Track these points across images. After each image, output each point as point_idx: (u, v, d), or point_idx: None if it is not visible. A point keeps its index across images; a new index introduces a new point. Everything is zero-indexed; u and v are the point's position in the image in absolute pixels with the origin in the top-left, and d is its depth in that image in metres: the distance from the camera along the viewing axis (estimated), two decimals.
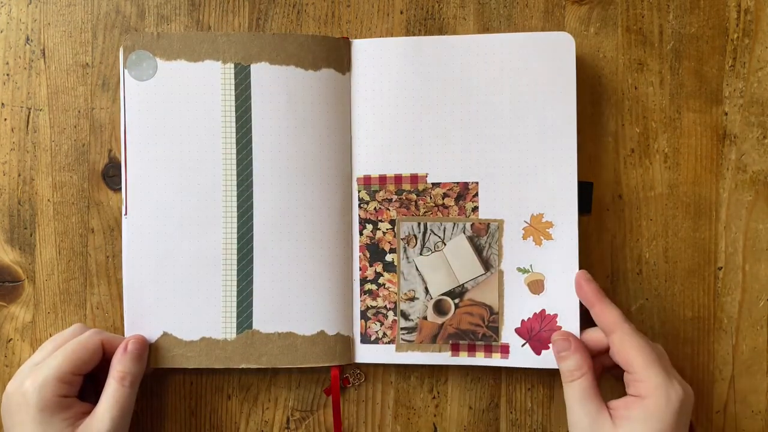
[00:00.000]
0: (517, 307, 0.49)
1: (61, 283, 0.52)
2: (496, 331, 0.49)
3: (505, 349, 0.49)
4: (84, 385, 0.46)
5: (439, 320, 0.50)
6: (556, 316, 0.48)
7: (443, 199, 0.50)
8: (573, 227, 0.48)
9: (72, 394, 0.45)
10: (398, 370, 0.52)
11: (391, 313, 0.50)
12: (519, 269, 0.49)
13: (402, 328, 0.50)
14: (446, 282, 0.50)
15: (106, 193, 0.52)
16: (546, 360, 0.48)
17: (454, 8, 0.52)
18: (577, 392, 0.44)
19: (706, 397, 0.51)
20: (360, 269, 0.50)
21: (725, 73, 0.51)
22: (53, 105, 0.52)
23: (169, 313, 0.49)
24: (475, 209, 0.49)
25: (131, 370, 0.46)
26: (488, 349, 0.49)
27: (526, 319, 0.49)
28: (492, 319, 0.49)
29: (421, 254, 0.50)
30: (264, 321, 0.49)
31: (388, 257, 0.50)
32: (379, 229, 0.50)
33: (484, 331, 0.49)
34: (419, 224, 0.50)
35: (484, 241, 0.50)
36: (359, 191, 0.50)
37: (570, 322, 0.48)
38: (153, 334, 0.49)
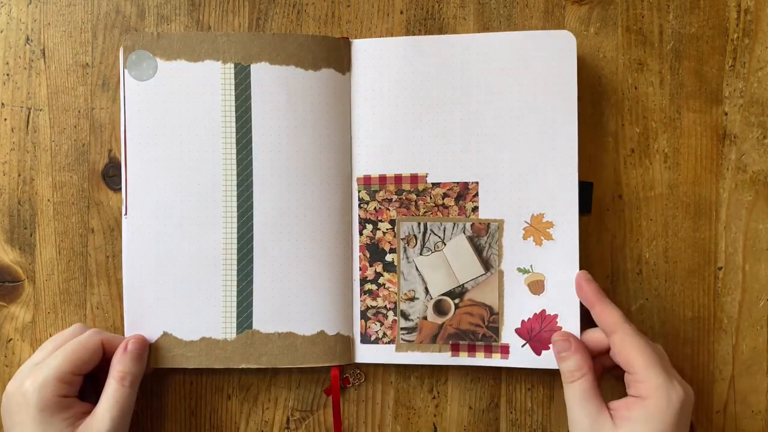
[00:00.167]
0: (518, 308, 0.49)
1: (61, 283, 0.52)
2: (496, 331, 0.49)
3: (505, 350, 0.49)
4: (84, 385, 0.46)
5: (439, 320, 0.50)
6: (556, 316, 0.48)
7: (443, 199, 0.50)
8: (573, 227, 0.48)
9: (72, 394, 0.45)
10: (398, 370, 0.52)
11: (391, 313, 0.50)
12: (519, 269, 0.49)
13: (402, 328, 0.50)
14: (446, 282, 0.50)
15: (106, 193, 0.52)
16: (546, 360, 0.48)
17: (454, 8, 0.52)
18: (577, 393, 0.44)
19: (706, 397, 0.51)
20: (360, 269, 0.50)
21: (725, 73, 0.51)
22: (53, 105, 0.52)
23: (169, 313, 0.49)
24: (475, 209, 0.49)
25: (131, 370, 0.46)
26: (488, 350, 0.49)
27: (526, 320, 0.49)
28: (492, 319, 0.49)
29: (421, 254, 0.50)
30: (264, 321, 0.49)
31: (388, 257, 0.50)
32: (379, 229, 0.50)
33: (484, 331, 0.49)
34: (419, 224, 0.50)
35: (484, 241, 0.49)
36: (359, 191, 0.50)
37: (570, 323, 0.48)
38: (153, 334, 0.49)
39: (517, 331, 0.49)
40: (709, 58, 0.51)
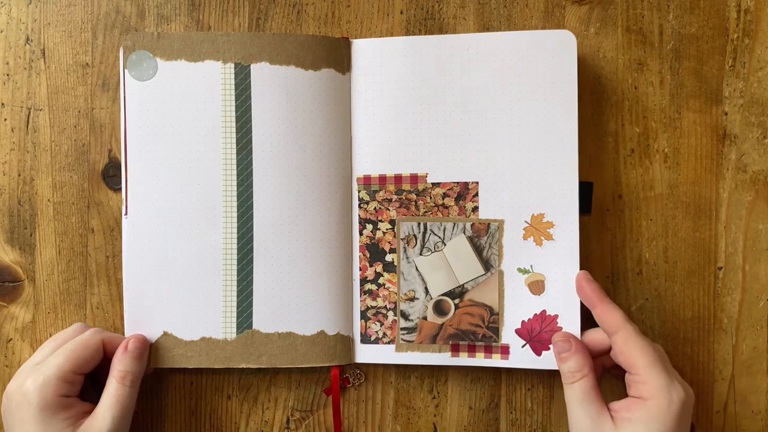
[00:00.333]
0: (518, 308, 0.49)
1: (61, 283, 0.52)
2: (497, 331, 0.49)
3: (505, 350, 0.49)
4: (84, 384, 0.46)
5: (439, 320, 0.50)
6: (556, 316, 0.48)
7: (443, 199, 0.50)
8: (574, 227, 0.48)
9: (73, 393, 0.45)
10: (398, 370, 0.52)
11: (391, 313, 0.50)
12: (519, 269, 0.49)
13: (402, 329, 0.50)
14: (446, 282, 0.50)
15: (106, 193, 0.52)
16: (546, 361, 0.48)
17: (454, 8, 0.52)
18: (578, 393, 0.44)
19: (706, 397, 0.51)
20: (360, 269, 0.50)
21: (725, 73, 0.51)
22: (53, 105, 0.52)
23: (170, 312, 0.49)
24: (475, 209, 0.49)
25: (132, 369, 0.46)
26: (488, 350, 0.49)
27: (526, 320, 0.49)
28: (492, 319, 0.49)
29: (420, 254, 0.50)
30: (264, 321, 0.49)
31: (388, 257, 0.50)
32: (379, 229, 0.50)
33: (484, 331, 0.49)
34: (419, 224, 0.50)
35: (484, 241, 0.49)
36: (359, 191, 0.50)
37: (571, 323, 0.48)
38: (153, 334, 0.49)
39: (517, 331, 0.49)
40: (709, 58, 0.51)
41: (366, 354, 0.50)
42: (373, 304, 0.50)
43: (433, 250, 0.50)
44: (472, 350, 0.49)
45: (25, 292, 0.52)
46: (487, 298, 0.49)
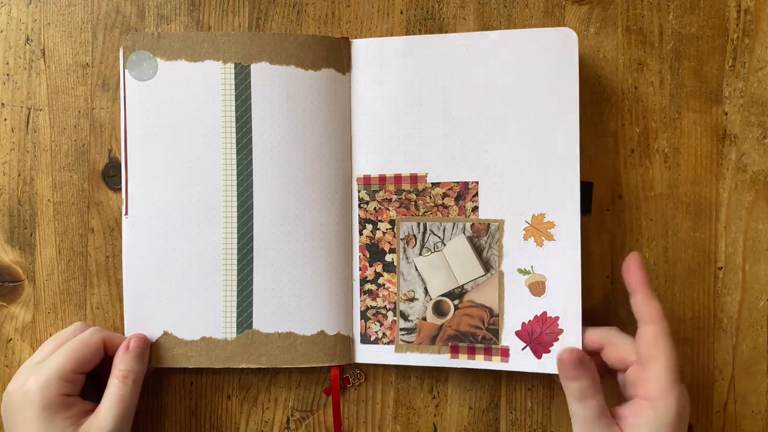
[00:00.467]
0: (518, 310, 0.48)
1: (61, 283, 0.52)
2: (496, 333, 0.49)
3: (505, 353, 0.49)
4: (85, 383, 0.46)
5: (439, 321, 0.49)
6: (557, 318, 0.48)
7: (443, 198, 0.49)
8: (575, 227, 0.48)
9: (75, 392, 0.45)
10: (398, 370, 0.52)
11: (390, 314, 0.50)
12: (520, 270, 0.49)
13: (401, 329, 0.50)
14: (445, 283, 0.49)
15: (106, 193, 0.52)
16: (547, 364, 0.48)
17: (454, 8, 0.52)
18: (590, 413, 0.42)
19: (706, 397, 0.51)
20: (360, 269, 0.50)
21: (725, 73, 0.51)
22: (53, 105, 0.52)
23: (170, 312, 0.49)
24: (475, 209, 0.49)
25: (134, 368, 0.46)
26: (488, 352, 0.49)
27: (526, 322, 0.48)
28: (492, 321, 0.49)
29: (420, 254, 0.50)
30: (264, 321, 0.49)
31: (388, 257, 0.50)
32: (378, 229, 0.50)
33: (483, 333, 0.49)
34: (419, 224, 0.50)
35: (484, 241, 0.49)
36: (359, 191, 0.50)
37: (572, 325, 0.47)
38: (153, 334, 0.49)
39: (517, 333, 0.48)
40: (709, 58, 0.51)
41: (366, 354, 0.50)
42: (373, 304, 0.50)
43: (432, 251, 0.50)
44: (471, 352, 0.49)
45: (25, 292, 0.52)
46: (487, 300, 0.49)
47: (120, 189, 0.51)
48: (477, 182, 0.49)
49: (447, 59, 0.49)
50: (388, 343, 0.50)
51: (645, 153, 0.51)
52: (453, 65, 0.49)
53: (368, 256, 0.50)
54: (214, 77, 0.49)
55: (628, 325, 0.51)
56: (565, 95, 0.48)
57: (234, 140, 0.49)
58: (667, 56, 0.51)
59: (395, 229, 0.50)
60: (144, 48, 0.49)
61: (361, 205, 0.50)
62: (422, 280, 0.50)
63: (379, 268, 0.50)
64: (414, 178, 0.50)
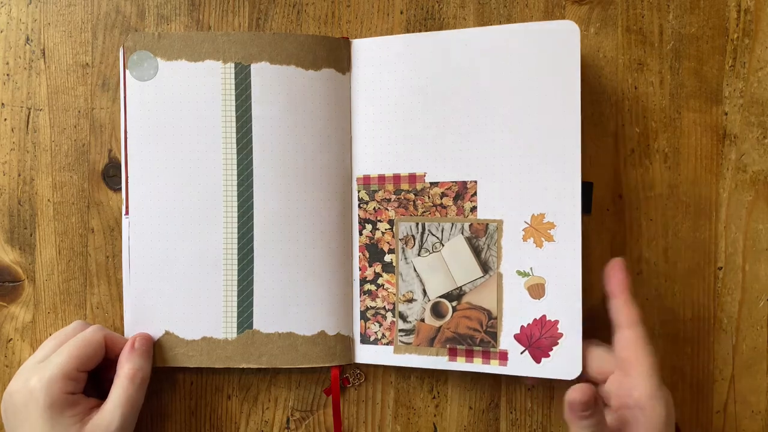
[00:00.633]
0: (517, 312, 0.47)
1: (61, 283, 0.52)
2: (495, 336, 0.48)
3: (503, 356, 0.48)
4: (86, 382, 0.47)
5: (437, 323, 0.49)
6: (557, 322, 0.47)
7: (441, 198, 0.49)
8: (576, 228, 0.46)
9: (78, 390, 0.45)
10: (398, 370, 0.52)
11: (389, 314, 0.50)
12: (519, 272, 0.48)
13: (400, 330, 0.50)
14: (444, 284, 0.49)
15: (106, 193, 0.52)
16: (545, 369, 0.47)
17: (454, 8, 0.52)
18: None
19: (706, 397, 0.51)
20: (360, 269, 0.50)
21: (725, 73, 0.51)
22: (53, 105, 0.52)
23: (171, 312, 0.49)
24: (473, 209, 0.48)
25: (141, 367, 0.46)
26: (486, 356, 0.48)
27: (525, 325, 0.47)
28: (490, 323, 0.48)
29: (419, 255, 0.49)
30: (264, 321, 0.49)
31: (387, 258, 0.50)
32: (378, 229, 0.50)
33: (482, 336, 0.48)
34: (417, 224, 0.49)
35: (482, 242, 0.48)
36: (359, 191, 0.50)
37: (572, 329, 0.46)
38: (155, 333, 0.49)
39: (516, 336, 0.47)
40: (709, 58, 0.51)
41: (365, 354, 0.50)
42: (373, 304, 0.50)
43: (431, 251, 0.49)
44: (469, 355, 0.48)
45: (25, 292, 0.52)
46: (485, 302, 0.48)
47: (120, 189, 0.51)
48: (476, 182, 0.48)
49: (446, 56, 0.48)
50: (387, 344, 0.50)
51: (645, 153, 0.51)
52: (452, 62, 0.48)
53: (368, 256, 0.50)
54: (214, 77, 0.49)
55: None
56: (566, 91, 0.46)
57: (234, 140, 0.49)
58: (667, 56, 0.51)
59: (394, 230, 0.50)
60: (144, 48, 0.49)
61: (361, 205, 0.50)
62: (420, 281, 0.49)
63: (378, 268, 0.50)
64: (413, 178, 0.49)
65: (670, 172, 0.51)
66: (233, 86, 0.49)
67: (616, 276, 0.46)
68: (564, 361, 0.46)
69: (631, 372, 0.43)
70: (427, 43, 0.49)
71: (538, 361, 0.47)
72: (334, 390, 0.51)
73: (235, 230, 0.49)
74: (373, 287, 0.50)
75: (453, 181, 0.49)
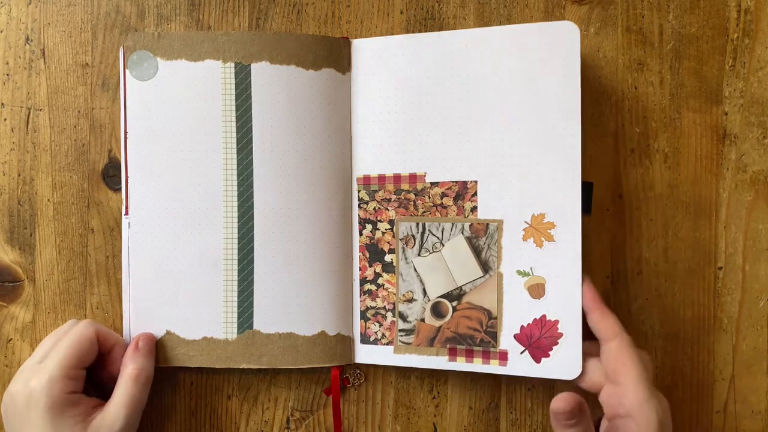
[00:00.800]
0: (517, 312, 0.47)
1: (61, 283, 0.52)
2: (495, 336, 0.48)
3: (503, 356, 0.48)
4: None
5: (437, 323, 0.49)
6: (557, 322, 0.47)
7: (442, 198, 0.49)
8: (576, 228, 0.46)
9: (79, 389, 0.45)
10: (398, 370, 0.52)
11: (390, 314, 0.50)
12: (519, 272, 0.47)
13: (400, 330, 0.50)
14: (444, 284, 0.49)
15: (106, 193, 0.52)
16: (545, 369, 0.47)
17: (454, 8, 0.52)
18: None
19: (706, 397, 0.51)
20: (360, 269, 0.50)
21: (725, 73, 0.51)
22: (53, 105, 0.52)
23: (171, 312, 0.49)
24: (474, 209, 0.48)
25: (145, 367, 0.47)
26: (486, 356, 0.48)
27: (525, 325, 0.47)
28: (490, 323, 0.48)
29: (419, 255, 0.49)
30: (264, 321, 0.49)
31: (387, 257, 0.50)
32: (378, 229, 0.50)
33: (482, 336, 0.48)
34: (417, 224, 0.49)
35: (482, 242, 0.48)
36: (359, 191, 0.50)
37: (571, 329, 0.46)
38: (155, 334, 0.49)
39: (516, 336, 0.47)
40: (709, 58, 0.51)
41: (365, 354, 0.50)
42: (373, 304, 0.50)
43: (431, 251, 0.49)
44: (469, 355, 0.48)
45: (25, 292, 0.52)
46: (485, 301, 0.48)
47: (120, 189, 0.51)
48: (476, 181, 0.48)
49: (446, 56, 0.48)
50: (387, 344, 0.50)
51: (645, 153, 0.51)
52: (453, 62, 0.48)
53: (368, 256, 0.50)
54: (214, 77, 0.49)
55: (628, 326, 0.51)
56: (566, 91, 0.46)
57: (234, 140, 0.49)
58: (667, 56, 0.51)
59: (394, 230, 0.50)
60: (144, 48, 0.49)
61: (361, 205, 0.50)
62: (421, 281, 0.49)
63: (378, 268, 0.50)
64: (413, 178, 0.49)
65: (670, 172, 0.51)
66: (233, 86, 0.49)
67: (586, 293, 0.46)
68: (564, 361, 0.46)
69: (620, 381, 0.42)
70: (427, 43, 0.49)
71: (538, 361, 0.47)
72: (334, 390, 0.51)
73: (236, 230, 0.49)
74: (373, 287, 0.50)
75: (453, 181, 0.49)
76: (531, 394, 0.51)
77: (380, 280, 0.50)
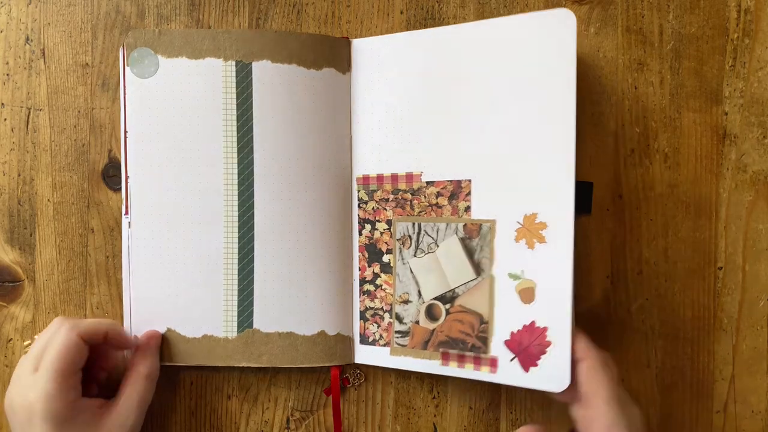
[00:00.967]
0: (508, 317, 0.45)
1: (61, 283, 0.52)
2: (486, 342, 0.46)
3: (493, 363, 0.45)
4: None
5: (431, 326, 0.48)
6: (546, 329, 0.44)
7: (437, 198, 0.48)
8: (568, 229, 0.43)
9: (78, 395, 0.44)
10: (398, 370, 0.52)
11: (387, 315, 0.50)
12: (510, 275, 0.45)
13: (396, 332, 0.49)
14: (438, 286, 0.47)
15: (106, 193, 0.52)
16: (533, 379, 0.44)
17: (454, 8, 0.52)
18: None
19: (706, 397, 0.51)
20: (359, 269, 0.50)
21: (725, 73, 0.51)
22: (53, 105, 0.52)
23: (171, 310, 0.49)
24: (467, 209, 0.47)
25: (153, 365, 0.47)
26: (477, 362, 0.46)
27: (516, 331, 0.45)
28: (482, 328, 0.46)
29: (414, 256, 0.48)
30: (264, 320, 0.49)
31: (385, 258, 0.50)
32: (376, 229, 0.50)
33: (473, 341, 0.46)
34: (413, 224, 0.49)
35: (475, 243, 0.46)
36: (359, 191, 0.50)
37: (561, 338, 0.43)
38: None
39: (506, 343, 0.45)
40: (709, 58, 0.51)
41: (364, 355, 0.50)
42: (371, 305, 0.50)
43: (426, 252, 0.48)
44: (461, 360, 0.46)
45: (25, 292, 0.52)
46: (477, 305, 0.46)
47: (120, 189, 0.51)
48: (470, 180, 0.47)
49: (443, 52, 0.47)
50: (385, 345, 0.49)
51: (645, 153, 0.51)
52: (450, 58, 0.47)
53: (367, 256, 0.50)
54: (215, 75, 0.49)
55: (628, 326, 0.51)
56: (561, 81, 0.43)
57: (235, 139, 0.49)
58: (667, 56, 0.51)
59: (392, 230, 0.49)
60: (145, 45, 0.49)
61: (361, 205, 0.50)
62: (416, 282, 0.48)
63: (377, 268, 0.50)
64: (410, 177, 0.49)
65: (670, 172, 0.51)
66: (234, 84, 0.49)
67: None
68: (552, 372, 0.44)
69: (590, 404, 0.42)
70: (425, 39, 0.48)
71: (527, 369, 0.44)
72: (334, 390, 0.51)
73: (236, 229, 0.49)
74: (371, 287, 0.50)
75: (448, 180, 0.47)
76: (531, 394, 0.51)
77: (378, 281, 0.50)
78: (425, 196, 0.48)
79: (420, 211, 0.48)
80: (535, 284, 0.45)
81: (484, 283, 0.46)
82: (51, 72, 0.52)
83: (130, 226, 0.49)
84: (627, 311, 0.51)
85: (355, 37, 0.51)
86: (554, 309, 0.44)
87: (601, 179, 0.51)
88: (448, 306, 0.48)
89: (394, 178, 0.49)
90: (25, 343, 0.48)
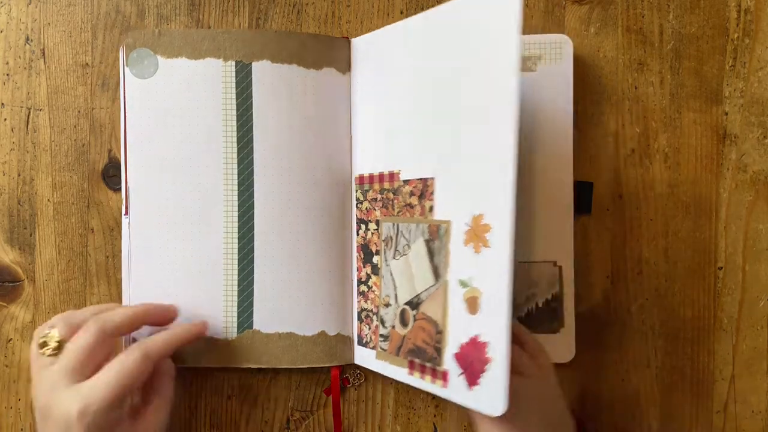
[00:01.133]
0: (458, 328, 0.41)
1: (61, 283, 0.52)
2: (440, 353, 0.42)
3: (444, 377, 0.41)
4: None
5: (402, 332, 0.45)
6: (486, 345, 0.39)
7: (410, 197, 0.45)
8: (507, 232, 0.38)
9: (122, 412, 0.43)
10: None
11: (375, 318, 0.49)
12: (460, 282, 0.41)
13: (380, 335, 0.48)
14: (409, 290, 0.45)
15: (106, 193, 0.52)
16: (474, 398, 0.39)
17: None
18: None
19: (706, 397, 0.51)
20: (357, 269, 0.50)
21: (725, 73, 0.51)
22: (53, 105, 0.52)
23: None
24: (431, 209, 0.43)
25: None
26: (434, 374, 0.42)
27: (464, 344, 0.40)
28: (437, 338, 0.42)
29: (393, 258, 0.46)
30: (264, 321, 0.49)
31: (374, 259, 0.49)
32: (368, 229, 0.50)
33: (432, 351, 0.42)
34: (393, 225, 0.47)
35: (436, 245, 0.42)
36: (356, 191, 0.50)
37: (498, 355, 0.38)
38: None
39: (455, 356, 0.41)
40: (709, 58, 0.51)
41: (360, 356, 0.50)
42: (366, 306, 0.50)
43: (401, 254, 0.46)
44: (422, 371, 0.43)
45: (25, 292, 0.52)
46: (435, 312, 0.42)
47: (120, 189, 0.51)
48: (434, 178, 0.43)
49: (435, 41, 0.43)
50: (372, 348, 0.49)
51: (645, 153, 0.51)
52: (424, 50, 0.44)
53: (362, 256, 0.50)
54: (215, 75, 0.49)
55: (628, 326, 0.51)
56: (502, 71, 0.38)
57: (235, 139, 0.49)
58: (667, 56, 0.51)
59: (379, 230, 0.49)
60: (145, 45, 0.49)
61: (358, 205, 0.50)
62: (394, 285, 0.46)
63: (369, 269, 0.49)
64: (391, 176, 0.47)
65: (670, 172, 0.51)
66: (234, 84, 0.49)
67: None
68: (489, 393, 0.39)
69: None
70: (419, 25, 0.45)
71: (471, 387, 0.40)
72: (334, 390, 0.51)
73: (236, 230, 0.49)
74: (365, 288, 0.50)
75: (418, 179, 0.45)
76: None
77: (370, 282, 0.49)
78: (402, 196, 0.46)
79: (398, 211, 0.46)
80: (480, 293, 0.40)
81: (440, 290, 0.42)
82: (51, 72, 0.52)
83: (129, 227, 0.49)
84: (627, 311, 0.51)
85: (355, 37, 0.51)
86: (493, 322, 0.39)
87: (601, 179, 0.51)
88: (414, 312, 0.44)
89: (381, 177, 0.48)
90: (43, 333, 0.42)
